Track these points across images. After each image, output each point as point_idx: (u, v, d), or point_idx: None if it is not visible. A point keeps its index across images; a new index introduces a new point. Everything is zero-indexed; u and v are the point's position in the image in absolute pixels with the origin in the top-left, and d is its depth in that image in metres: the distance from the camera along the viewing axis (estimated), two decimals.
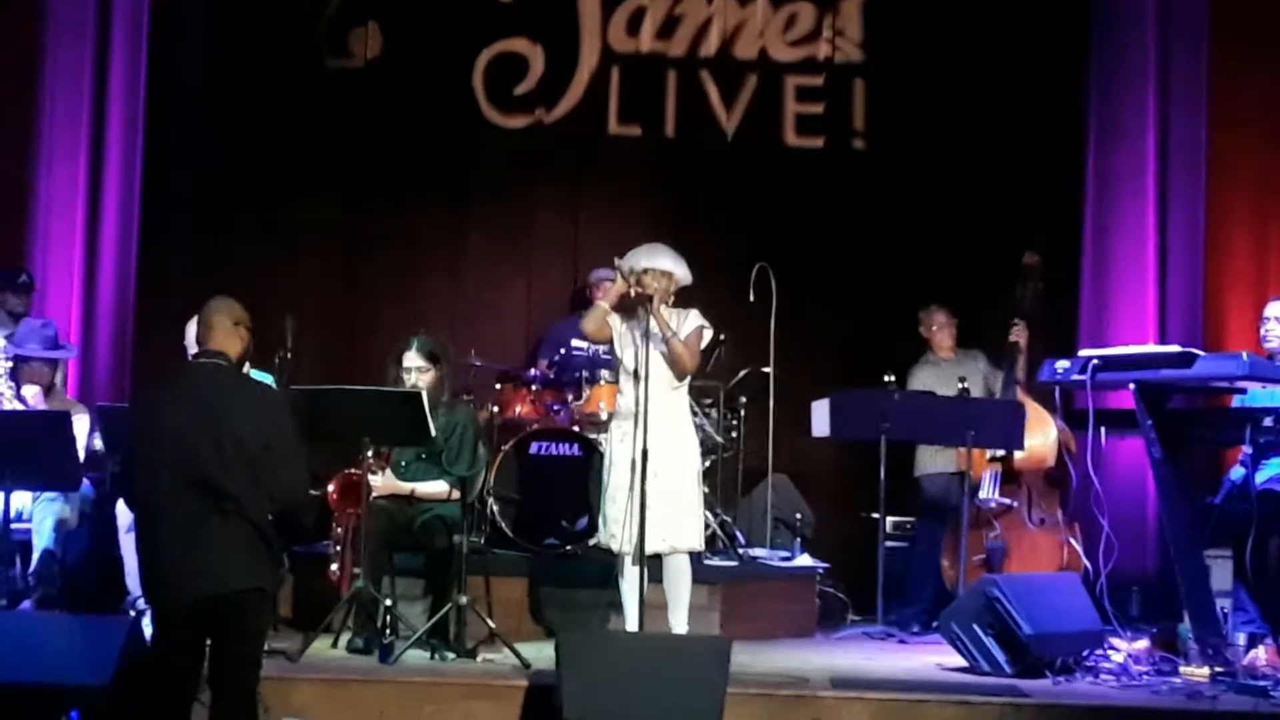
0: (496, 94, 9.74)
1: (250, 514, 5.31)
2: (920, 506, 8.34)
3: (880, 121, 9.74)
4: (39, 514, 7.15)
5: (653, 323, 6.65)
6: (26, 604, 7.01)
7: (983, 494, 7.89)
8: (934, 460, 8.24)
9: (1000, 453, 7.90)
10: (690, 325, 6.80)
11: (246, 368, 5.84)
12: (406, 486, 7.08)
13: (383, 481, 7.01)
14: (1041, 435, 7.78)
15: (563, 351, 8.60)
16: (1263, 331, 7.23)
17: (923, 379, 8.31)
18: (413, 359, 7.10)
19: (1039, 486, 7.98)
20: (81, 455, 7.04)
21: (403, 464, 7.15)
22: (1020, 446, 7.69)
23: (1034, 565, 7.80)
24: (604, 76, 9.78)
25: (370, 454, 6.77)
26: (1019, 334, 8.11)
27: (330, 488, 7.07)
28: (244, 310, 5.55)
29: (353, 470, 6.94)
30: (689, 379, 6.91)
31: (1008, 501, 7.93)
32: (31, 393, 7.38)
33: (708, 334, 6.89)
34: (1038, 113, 9.22)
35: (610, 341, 6.95)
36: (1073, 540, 7.83)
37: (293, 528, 5.65)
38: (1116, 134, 8.76)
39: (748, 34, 9.81)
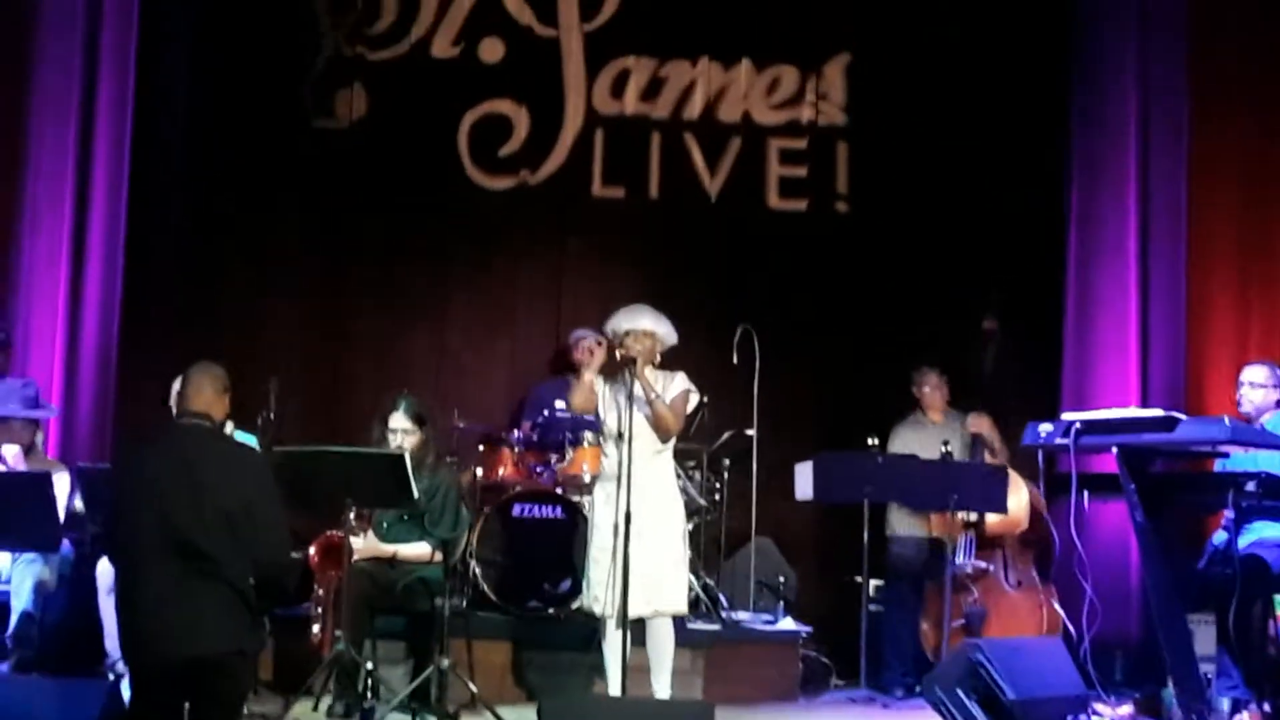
0: (481, 155, 9.77)
1: (231, 576, 5.31)
2: (891, 569, 8.33)
3: (863, 184, 9.80)
4: (18, 575, 7.10)
5: (637, 385, 6.66)
6: (4, 666, 6.96)
7: (958, 559, 7.89)
8: (904, 523, 8.25)
9: (973, 517, 7.92)
10: (677, 388, 6.82)
11: (230, 428, 5.84)
12: (389, 549, 7.06)
13: (364, 544, 6.98)
14: (1014, 498, 7.80)
15: (546, 413, 8.58)
16: (1237, 395, 7.32)
17: (905, 439, 8.31)
18: (399, 420, 7.10)
19: (1014, 548, 7.99)
20: (61, 516, 7.00)
21: (384, 526, 7.12)
22: (1003, 509, 7.70)
23: (1014, 628, 7.79)
24: (588, 138, 9.83)
25: (352, 516, 6.75)
26: (977, 423, 8.14)
27: (311, 550, 7.04)
28: (227, 376, 5.57)
29: (334, 532, 6.92)
30: (674, 441, 6.91)
31: (983, 565, 7.94)
32: (11, 452, 7.35)
33: (694, 397, 6.91)
34: (1021, 178, 9.27)
35: (596, 410, 6.95)
36: (1052, 602, 7.83)
37: (275, 592, 5.61)
38: (1099, 197, 8.80)
39: (731, 97, 9.87)
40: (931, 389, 8.45)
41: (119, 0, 8.51)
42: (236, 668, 5.40)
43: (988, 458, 8.09)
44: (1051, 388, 8.74)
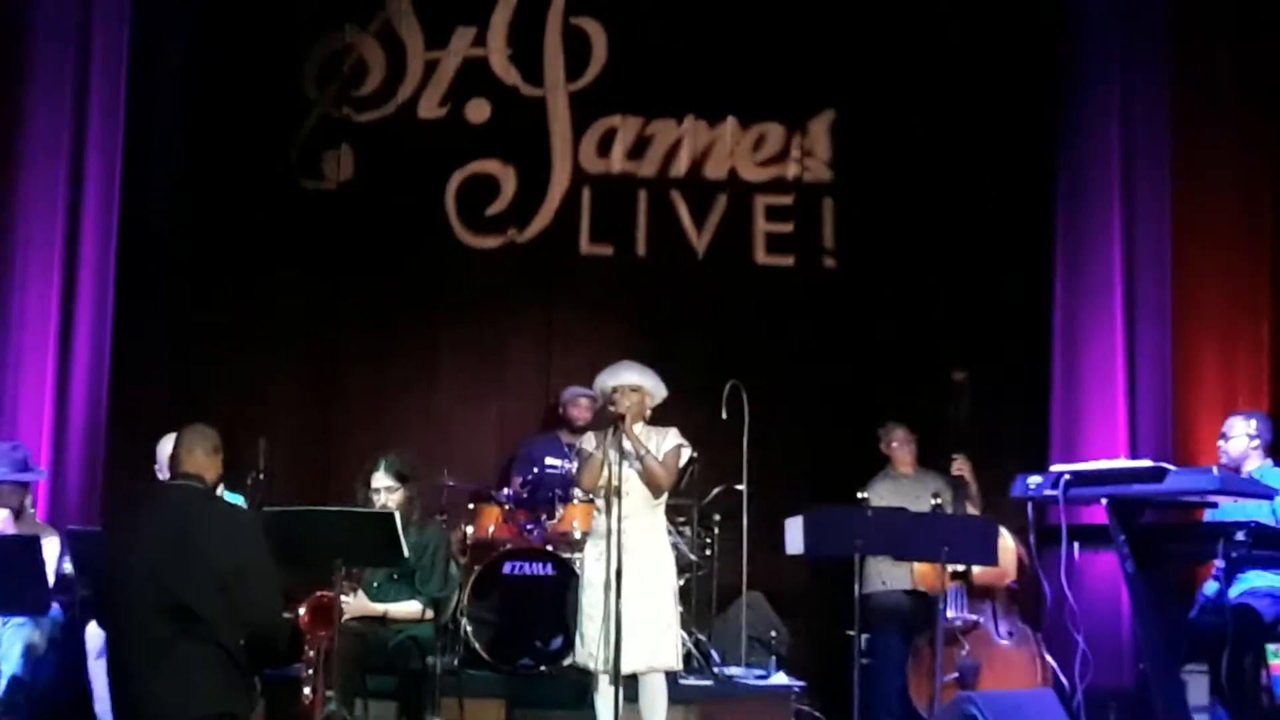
0: (469, 215, 9.82)
1: (222, 638, 5.29)
2: (874, 622, 8.30)
3: (850, 240, 9.84)
4: (7, 640, 7.06)
5: (627, 441, 6.68)
6: None
7: (948, 612, 7.88)
8: (888, 576, 8.25)
9: (960, 568, 7.91)
10: (669, 444, 6.84)
11: (220, 490, 5.84)
12: (379, 608, 7.04)
13: (355, 603, 6.96)
14: (1001, 550, 7.78)
15: (536, 470, 8.59)
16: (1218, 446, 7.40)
17: (882, 493, 8.32)
18: (381, 479, 7.11)
19: (1003, 600, 7.98)
20: (51, 579, 6.98)
21: (374, 585, 7.11)
22: (994, 561, 7.68)
23: (1008, 680, 7.76)
24: (575, 197, 9.88)
25: (342, 575, 6.73)
26: (960, 466, 8.17)
27: (301, 610, 7.01)
28: (218, 436, 5.58)
29: (324, 592, 6.89)
30: (665, 497, 6.92)
31: (973, 617, 7.93)
32: (0, 516, 7.33)
33: (686, 452, 6.94)
34: (1006, 231, 9.32)
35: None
36: (1044, 653, 7.81)
37: (266, 653, 5.60)
38: (1083, 250, 8.83)
39: (717, 154, 9.92)
40: (899, 444, 8.49)
41: (106, 60, 8.54)
42: None
43: (968, 507, 8.08)
44: (1039, 440, 8.74)
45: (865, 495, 8.16)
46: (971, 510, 8.12)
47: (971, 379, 8.26)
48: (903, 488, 8.28)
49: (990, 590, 7.95)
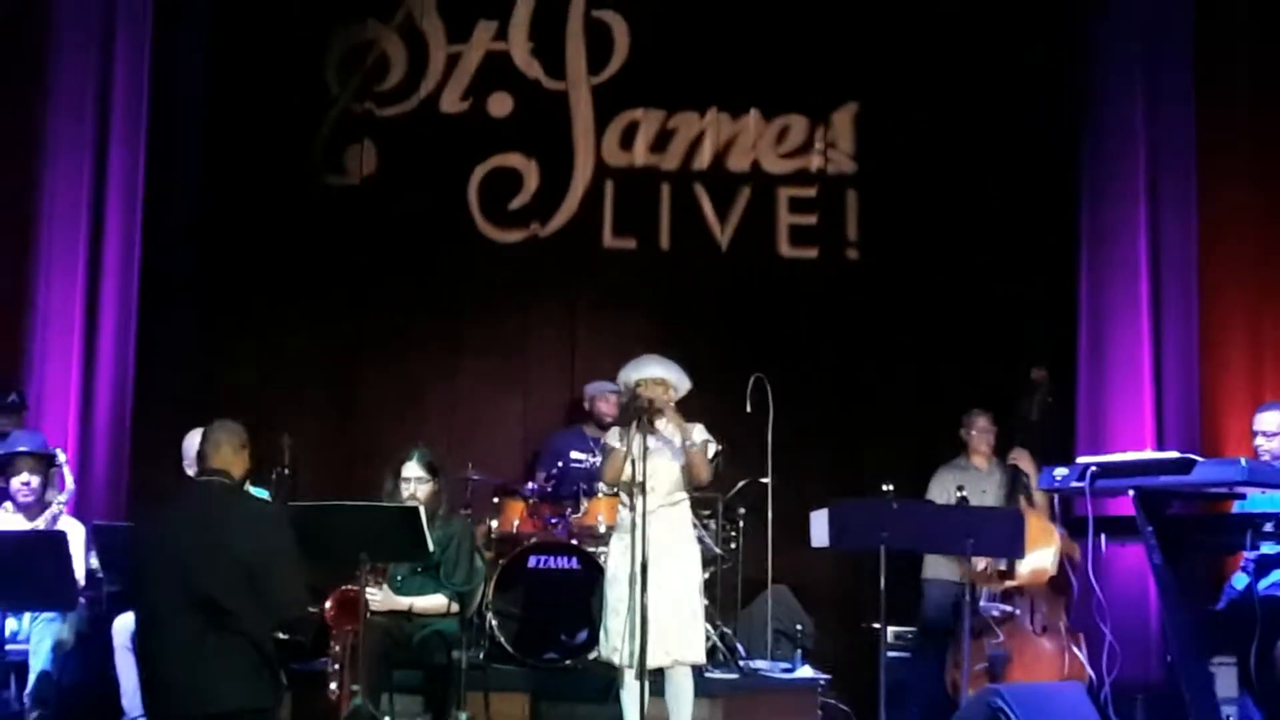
0: (492, 209, 9.82)
1: (251, 631, 5.30)
2: (923, 612, 8.28)
3: (874, 232, 9.82)
4: (36, 635, 7.09)
5: (663, 432, 6.68)
6: None
7: (984, 601, 7.85)
8: (940, 567, 8.22)
9: (1003, 565, 7.86)
10: (696, 438, 6.82)
11: (246, 485, 5.85)
12: (405, 602, 7.03)
13: (381, 597, 6.96)
14: (1048, 549, 7.71)
15: (560, 464, 8.59)
16: (1254, 444, 7.29)
17: (944, 482, 8.27)
18: (413, 469, 7.11)
19: (1042, 594, 7.93)
20: (79, 575, 7.01)
21: (399, 579, 7.10)
22: (1020, 555, 7.63)
23: (1037, 673, 7.73)
24: (598, 190, 9.87)
25: (367, 570, 6.73)
26: (1017, 456, 8.11)
27: (328, 604, 7.02)
28: (245, 432, 5.59)
29: (350, 586, 6.90)
30: (688, 490, 6.91)
31: (1009, 609, 7.89)
32: (19, 482, 7.36)
33: (712, 447, 6.92)
34: (1031, 221, 9.30)
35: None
36: (1076, 648, 7.77)
37: (291, 645, 5.61)
38: (1108, 242, 8.80)
39: (740, 147, 9.91)
40: (979, 432, 8.40)
41: (128, 57, 8.57)
42: None
43: (1023, 502, 8.02)
44: (1067, 431, 8.70)
45: (890, 488, 8.10)
46: (1027, 504, 8.05)
47: (1051, 378, 8.18)
48: (970, 479, 8.22)
49: (1028, 584, 7.91)
